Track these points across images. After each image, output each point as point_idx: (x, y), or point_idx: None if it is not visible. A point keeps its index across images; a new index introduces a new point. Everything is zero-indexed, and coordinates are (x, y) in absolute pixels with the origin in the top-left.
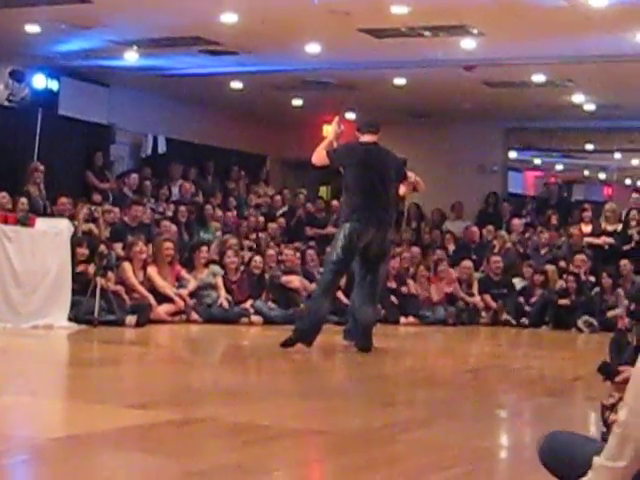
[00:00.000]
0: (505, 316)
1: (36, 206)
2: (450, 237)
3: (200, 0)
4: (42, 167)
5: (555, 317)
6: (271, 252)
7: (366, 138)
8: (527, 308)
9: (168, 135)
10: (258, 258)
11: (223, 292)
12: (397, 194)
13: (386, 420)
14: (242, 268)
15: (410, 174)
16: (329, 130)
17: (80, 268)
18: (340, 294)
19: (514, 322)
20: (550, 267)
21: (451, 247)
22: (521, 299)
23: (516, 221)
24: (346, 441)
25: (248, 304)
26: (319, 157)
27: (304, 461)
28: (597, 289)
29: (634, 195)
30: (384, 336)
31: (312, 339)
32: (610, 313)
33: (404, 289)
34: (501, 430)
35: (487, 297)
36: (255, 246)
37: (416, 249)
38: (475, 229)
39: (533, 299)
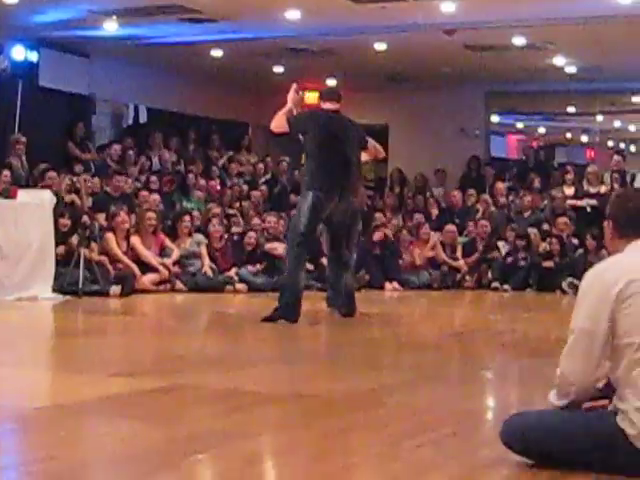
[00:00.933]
0: (490, 280)
1: (18, 178)
2: (434, 202)
3: None
4: (24, 139)
5: (539, 280)
6: (256, 221)
7: (327, 106)
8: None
9: (149, 105)
10: (252, 234)
11: (207, 260)
12: (359, 162)
13: (371, 384)
14: (226, 236)
15: (370, 141)
16: (289, 97)
17: (60, 250)
18: (324, 260)
19: (499, 286)
20: (533, 230)
21: (434, 212)
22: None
23: (500, 185)
24: (331, 405)
25: (232, 272)
26: (278, 123)
27: (289, 425)
28: (581, 251)
29: (615, 157)
30: (369, 301)
31: (297, 315)
32: None
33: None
34: (486, 392)
35: (471, 261)
36: (239, 215)
37: (379, 214)
38: (457, 194)
39: (519, 262)
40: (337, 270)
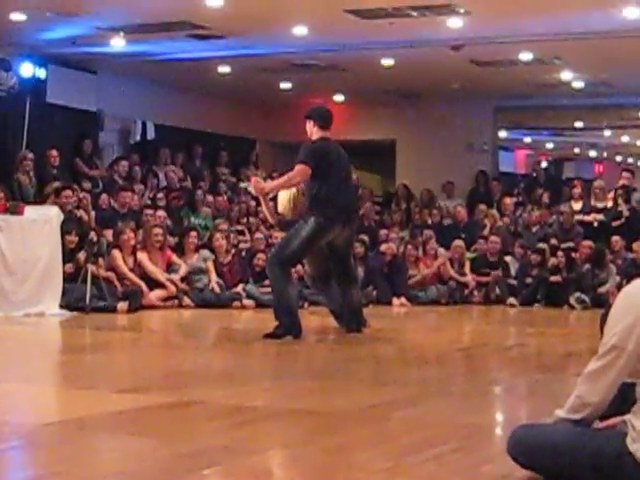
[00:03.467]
0: (498, 294)
1: (26, 194)
2: (439, 214)
3: None
4: (31, 155)
5: (547, 294)
6: (259, 235)
7: (325, 134)
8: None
9: (157, 121)
10: (262, 255)
11: (214, 276)
12: None
13: (377, 399)
14: (232, 251)
15: None
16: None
17: (68, 267)
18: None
19: (509, 301)
20: (543, 246)
21: (445, 221)
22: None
23: (507, 200)
24: (337, 420)
25: (239, 288)
26: (302, 174)
27: (294, 441)
28: (588, 266)
29: (624, 174)
30: (376, 317)
31: (299, 330)
32: (602, 289)
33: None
34: (492, 406)
35: (479, 277)
36: (246, 230)
37: (383, 230)
38: (461, 209)
39: (528, 279)
40: (345, 288)
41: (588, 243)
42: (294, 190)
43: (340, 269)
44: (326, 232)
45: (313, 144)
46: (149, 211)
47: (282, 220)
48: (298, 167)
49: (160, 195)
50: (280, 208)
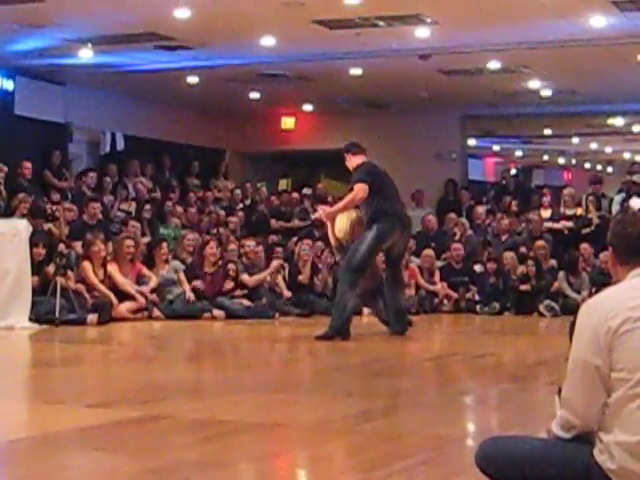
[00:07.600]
0: (467, 300)
1: None
2: None
3: None
4: (5, 168)
5: (517, 303)
6: (232, 246)
7: (364, 157)
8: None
9: (126, 132)
10: (232, 266)
11: (187, 286)
12: None
13: (346, 411)
14: (219, 262)
15: None
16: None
17: (35, 280)
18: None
19: (478, 308)
20: (509, 253)
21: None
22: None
23: (479, 209)
24: (306, 433)
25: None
26: (363, 190)
27: (264, 455)
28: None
29: (593, 187)
30: None
31: (348, 333)
32: (578, 297)
33: None
34: (462, 418)
35: (449, 291)
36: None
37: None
38: (432, 217)
39: (488, 286)
40: (393, 292)
41: (541, 243)
42: (354, 215)
43: (391, 272)
44: (387, 237)
45: (362, 166)
46: (134, 222)
47: (340, 244)
48: (357, 186)
49: (147, 207)
50: (339, 234)
